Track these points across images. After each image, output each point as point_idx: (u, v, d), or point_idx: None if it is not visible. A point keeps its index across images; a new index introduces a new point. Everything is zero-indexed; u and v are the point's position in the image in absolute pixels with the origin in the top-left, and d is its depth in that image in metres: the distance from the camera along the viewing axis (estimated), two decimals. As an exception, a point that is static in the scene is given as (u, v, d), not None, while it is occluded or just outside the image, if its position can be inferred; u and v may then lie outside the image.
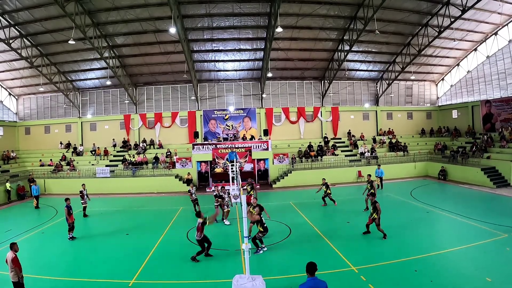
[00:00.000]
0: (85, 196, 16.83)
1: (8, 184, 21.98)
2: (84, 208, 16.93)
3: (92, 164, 27.24)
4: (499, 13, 23.51)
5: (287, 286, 8.31)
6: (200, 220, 10.39)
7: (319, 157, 26.92)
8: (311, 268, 5.62)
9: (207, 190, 23.71)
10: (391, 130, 31.86)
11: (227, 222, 14.69)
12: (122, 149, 29.55)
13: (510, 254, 9.84)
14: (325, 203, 17.56)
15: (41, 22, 21.96)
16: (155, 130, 30.51)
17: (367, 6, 20.86)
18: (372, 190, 15.63)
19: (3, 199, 21.59)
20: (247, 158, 25.05)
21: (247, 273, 8.17)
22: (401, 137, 31.31)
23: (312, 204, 17.85)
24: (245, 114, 30.12)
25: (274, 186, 24.09)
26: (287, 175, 24.48)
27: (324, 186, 17.59)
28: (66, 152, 29.48)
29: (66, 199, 13.29)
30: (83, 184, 17.43)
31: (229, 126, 29.94)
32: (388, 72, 30.50)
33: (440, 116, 33.35)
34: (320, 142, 29.47)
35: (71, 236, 12.98)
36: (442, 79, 33.13)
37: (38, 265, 10.30)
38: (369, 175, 17.19)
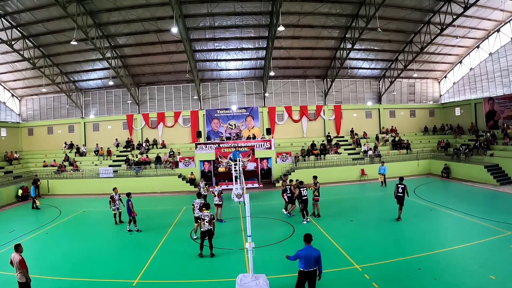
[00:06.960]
0: (117, 201, 15.18)
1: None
2: (117, 215, 15.38)
3: (95, 165, 27.32)
4: (501, 10, 23.39)
5: (291, 285, 8.31)
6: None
7: (322, 156, 26.90)
8: (308, 237, 7.37)
9: (210, 189, 23.69)
10: (394, 128, 31.74)
11: (194, 236, 12.59)
12: (125, 149, 29.63)
13: (514, 251, 9.79)
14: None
15: (43, 23, 22.01)
16: (158, 130, 30.54)
17: (368, 4, 20.77)
18: (316, 193, 14.58)
19: (6, 200, 21.72)
20: (250, 157, 25.07)
21: (251, 272, 8.20)
22: (404, 135, 31.21)
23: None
24: (248, 113, 30.09)
25: (277, 185, 24.06)
26: (290, 174, 24.40)
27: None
28: (69, 152, 29.61)
29: (128, 194, 14.12)
30: (115, 188, 15.50)
31: (232, 125, 29.94)
32: (390, 70, 30.38)
33: (443, 114, 33.19)
34: (323, 141, 29.43)
35: (129, 228, 14.00)
36: (445, 77, 32.96)
37: (42, 265, 10.35)
38: (315, 177, 15.14)
